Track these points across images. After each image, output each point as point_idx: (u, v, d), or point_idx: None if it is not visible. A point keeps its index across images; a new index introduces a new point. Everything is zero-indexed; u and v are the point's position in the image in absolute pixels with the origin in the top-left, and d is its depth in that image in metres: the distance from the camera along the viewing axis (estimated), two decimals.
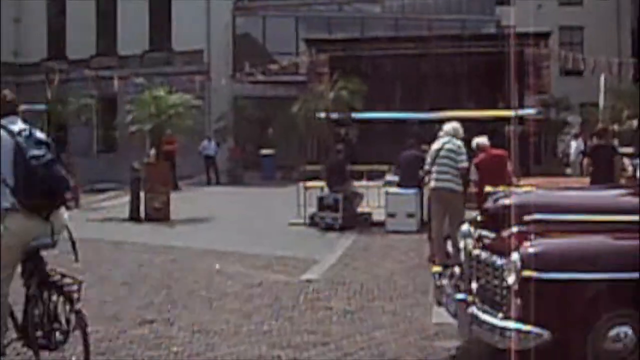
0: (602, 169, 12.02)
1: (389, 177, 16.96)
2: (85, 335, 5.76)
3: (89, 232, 15.59)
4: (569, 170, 26.72)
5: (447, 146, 10.59)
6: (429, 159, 10.99)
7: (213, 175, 29.39)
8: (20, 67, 37.09)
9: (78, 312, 5.74)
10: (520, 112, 23.45)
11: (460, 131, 11.00)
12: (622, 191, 7.41)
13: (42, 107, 23.35)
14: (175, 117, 18.94)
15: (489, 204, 6.81)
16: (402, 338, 7.44)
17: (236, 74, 34.15)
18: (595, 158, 12.63)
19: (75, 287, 5.86)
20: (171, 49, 35.33)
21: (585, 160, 13.52)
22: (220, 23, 34.91)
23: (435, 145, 10.86)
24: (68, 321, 5.83)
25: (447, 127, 11.01)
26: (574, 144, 26.88)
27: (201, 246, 13.45)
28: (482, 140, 12.17)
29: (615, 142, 16.52)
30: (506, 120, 24.44)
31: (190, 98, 19.80)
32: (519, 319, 5.52)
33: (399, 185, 15.37)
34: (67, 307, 5.81)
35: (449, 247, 10.83)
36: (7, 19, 36.87)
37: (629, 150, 19.18)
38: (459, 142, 10.71)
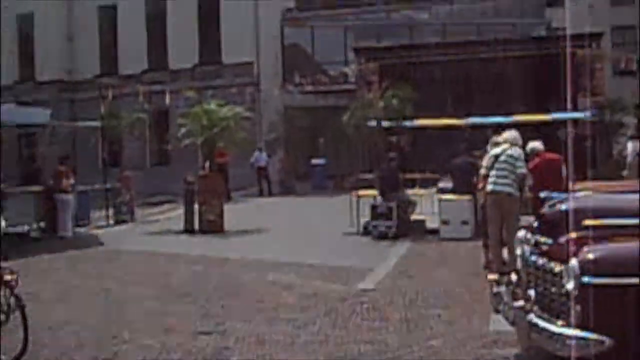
0: None
1: (442, 184, 16.86)
2: (24, 315, 7.12)
3: (144, 245, 15.85)
4: (625, 173, 26.24)
5: (508, 152, 10.57)
6: (484, 163, 10.94)
7: (265, 186, 29.51)
8: (74, 85, 37.83)
9: (17, 297, 7.14)
10: (574, 115, 23.08)
11: (520, 140, 10.97)
12: None
13: (96, 123, 23.73)
14: (227, 129, 19.08)
15: (545, 209, 6.72)
16: (460, 347, 7.38)
17: (286, 84, 34.31)
18: None
19: (14, 277, 7.18)
20: (221, 62, 35.64)
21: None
22: (269, 34, 35.11)
23: (495, 151, 10.81)
24: (9, 305, 7.17)
25: (507, 134, 10.98)
26: (630, 146, 26.36)
27: (255, 257, 13.52)
28: (536, 144, 12.07)
29: None
30: (559, 123, 24.11)
31: (241, 110, 19.93)
32: (579, 326, 5.42)
33: (452, 192, 15.25)
34: (7, 293, 7.17)
35: (505, 254, 10.75)
36: (60, 37, 37.67)
37: None
38: (520, 150, 10.70)
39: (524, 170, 10.51)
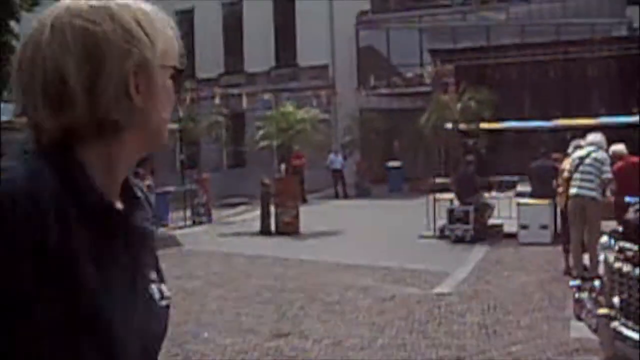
0: None
1: (520, 188, 16.61)
2: None
3: (222, 246, 16.06)
4: None
5: (594, 155, 10.36)
6: (566, 166, 10.73)
7: (341, 188, 29.54)
8: None
9: None
10: None
11: (605, 143, 10.74)
12: None
13: (175, 125, 24.15)
14: (303, 131, 19.20)
15: (630, 214, 6.58)
16: (540, 353, 7.28)
17: (361, 87, 34.32)
18: None
19: None
20: (297, 65, 35.88)
21: None
22: (344, 37, 35.16)
23: (579, 153, 10.60)
24: None
25: (592, 137, 10.76)
26: None
27: (332, 259, 13.56)
28: (619, 148, 11.72)
29: None
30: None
31: (317, 112, 20.03)
32: None
33: (531, 196, 15.02)
34: None
35: (586, 260, 10.54)
36: None
37: None
38: (605, 154, 10.47)
39: (609, 175, 10.27)
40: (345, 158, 30.41)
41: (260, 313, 9.35)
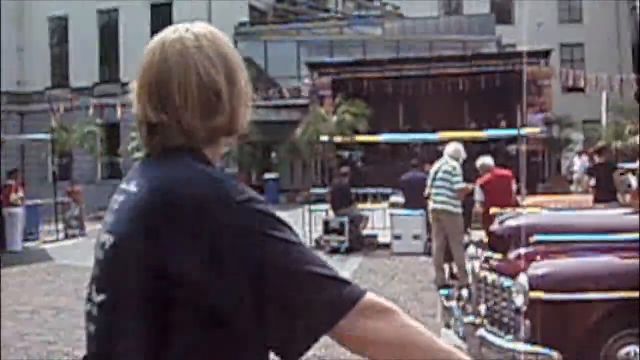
0: (604, 186, 12.02)
1: (394, 199, 16.97)
2: None
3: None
4: (573, 188, 26.72)
5: (444, 167, 10.66)
6: (429, 181, 11.06)
7: None
8: (24, 96, 37.31)
9: None
10: (523, 131, 23.47)
11: (462, 152, 11.05)
12: (627, 210, 7.42)
13: (46, 136, 23.46)
14: None
15: (495, 225, 6.82)
16: None
17: None
18: (597, 175, 12.66)
19: None
20: None
21: (586, 178, 13.54)
22: None
23: (434, 167, 10.93)
24: None
25: (449, 148, 11.09)
26: (577, 162, 26.90)
27: None
28: (486, 160, 12.09)
29: (616, 158, 16.49)
30: (509, 139, 24.48)
31: None
32: (528, 341, 5.51)
33: (404, 206, 15.37)
34: None
35: (454, 268, 10.84)
36: (10, 48, 37.11)
37: (633, 166, 19.15)
38: (455, 163, 10.74)
39: (460, 186, 10.56)
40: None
41: None
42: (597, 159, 13.64)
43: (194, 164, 1.62)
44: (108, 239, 1.64)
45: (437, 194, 10.54)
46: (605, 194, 11.55)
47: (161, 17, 35.61)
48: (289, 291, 1.51)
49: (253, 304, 1.49)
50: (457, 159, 10.89)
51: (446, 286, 9.45)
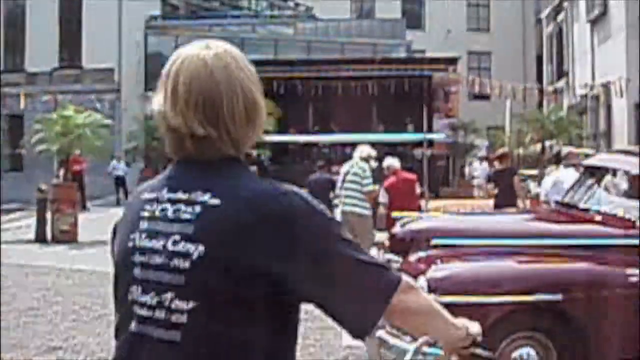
0: (504, 192, 12.32)
1: None
2: None
3: None
4: (475, 193, 27.38)
5: (353, 169, 10.68)
6: (339, 183, 11.08)
7: (123, 195, 28.95)
8: None
9: None
10: (429, 135, 23.92)
11: (372, 154, 11.13)
12: (525, 216, 7.64)
13: None
14: (83, 136, 18.61)
15: (396, 228, 6.93)
16: None
17: (148, 93, 33.80)
18: (498, 181, 12.97)
19: None
20: (81, 67, 34.74)
21: (488, 184, 13.86)
22: (132, 41, 34.52)
23: (344, 169, 10.97)
24: None
25: (359, 150, 11.14)
26: (478, 167, 27.60)
27: (110, 269, 13.18)
28: (392, 162, 12.18)
29: (518, 165, 16.94)
30: (415, 143, 24.88)
31: (99, 117, 19.50)
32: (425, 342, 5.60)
33: None
34: None
35: None
36: None
37: (533, 172, 19.76)
38: (365, 165, 10.76)
39: (369, 188, 10.61)
40: (128, 165, 29.82)
41: (30, 326, 8.94)
42: (498, 165, 13.99)
43: (252, 176, 1.89)
44: (194, 248, 1.77)
45: (347, 196, 10.56)
46: (506, 199, 11.85)
47: (70, 7, 34.85)
48: (359, 278, 1.85)
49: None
50: (367, 161, 10.95)
51: None
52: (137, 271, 1.85)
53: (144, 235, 1.85)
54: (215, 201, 1.79)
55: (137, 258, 1.85)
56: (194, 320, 1.76)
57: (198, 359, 1.78)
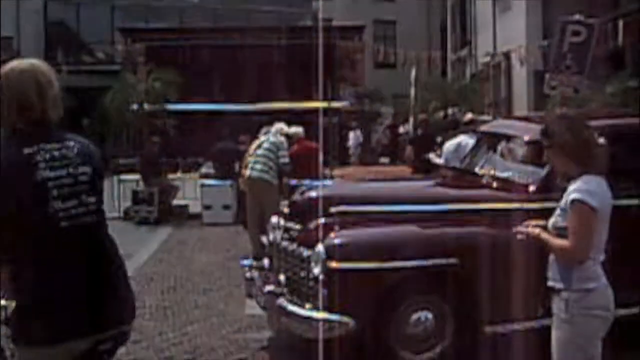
0: (423, 158, 12.38)
1: (205, 169, 16.85)
2: None
3: None
4: (384, 160, 27.72)
5: (272, 139, 10.61)
6: (251, 150, 10.90)
7: None
8: None
9: None
10: (333, 103, 23.95)
11: (286, 130, 11.12)
12: (424, 182, 7.74)
13: None
14: None
15: (296, 196, 6.92)
16: (216, 331, 7.45)
17: (48, 62, 32.84)
18: (418, 147, 13.06)
19: None
20: None
21: (409, 149, 13.96)
22: (31, 9, 33.44)
23: (258, 140, 10.85)
24: None
25: (277, 125, 11.11)
26: (351, 136, 27.98)
27: None
28: (296, 130, 12.12)
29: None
30: (321, 111, 24.89)
31: None
32: (325, 309, 5.64)
33: (214, 177, 15.31)
34: None
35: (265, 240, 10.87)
36: None
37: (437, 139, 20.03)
38: (282, 139, 10.75)
39: (286, 160, 10.59)
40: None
41: None
42: (419, 132, 14.16)
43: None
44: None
45: (256, 162, 10.45)
46: (424, 165, 11.92)
47: None
48: None
49: None
50: (284, 136, 10.91)
51: (255, 257, 9.45)
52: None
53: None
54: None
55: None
56: None
57: None
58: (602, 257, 4.00)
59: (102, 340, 3.11)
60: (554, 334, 4.02)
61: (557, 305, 3.99)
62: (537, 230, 4.09)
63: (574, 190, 3.92)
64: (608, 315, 3.94)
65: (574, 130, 4.02)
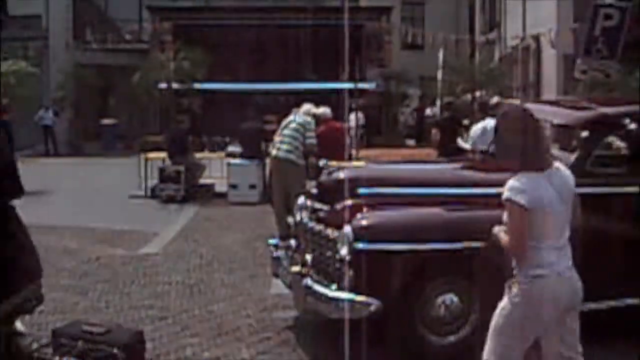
0: (449, 140, 12.33)
1: (231, 148, 16.90)
2: None
3: None
4: (410, 142, 27.63)
5: (299, 120, 10.60)
6: (279, 130, 10.90)
7: (51, 145, 28.40)
8: None
9: None
10: (361, 85, 23.88)
11: (314, 110, 11.11)
12: (451, 165, 7.70)
13: None
14: (10, 85, 18.14)
15: (323, 177, 6.92)
16: (241, 310, 7.50)
17: (76, 40, 32.99)
18: (444, 130, 13.00)
19: None
20: (6, 12, 33.61)
21: (435, 132, 13.89)
22: None
23: (288, 118, 10.84)
24: None
25: (306, 106, 11.10)
26: (352, 117, 27.70)
27: (37, 221, 12.85)
28: (322, 111, 12.06)
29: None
30: (348, 92, 24.83)
31: (25, 65, 18.99)
32: (351, 290, 5.66)
33: (241, 156, 15.35)
34: None
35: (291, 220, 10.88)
36: None
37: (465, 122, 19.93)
38: (309, 119, 10.73)
39: (312, 141, 10.58)
40: (56, 114, 29.19)
41: None
42: (445, 114, 14.08)
43: None
44: None
45: (282, 142, 10.45)
46: (450, 147, 11.87)
47: None
48: None
49: None
50: (311, 117, 10.90)
51: (281, 237, 9.48)
52: None
53: None
54: None
55: None
56: None
57: None
58: (557, 243, 4.07)
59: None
60: (500, 304, 4.19)
61: (508, 285, 4.17)
62: (496, 228, 4.20)
63: (506, 189, 4.03)
64: (556, 303, 4.04)
65: (513, 127, 4.10)
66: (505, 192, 4.02)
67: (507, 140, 4.13)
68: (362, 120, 22.46)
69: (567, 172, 4.22)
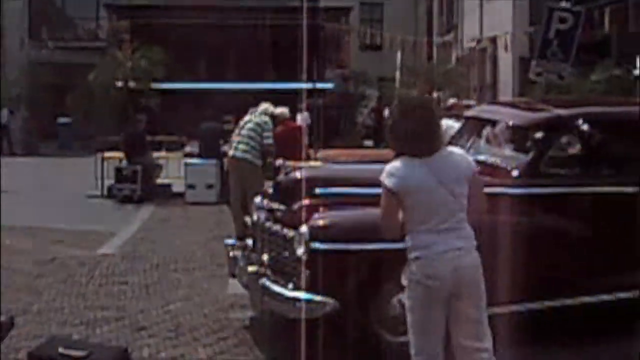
0: None
1: (189, 148, 16.83)
2: None
3: None
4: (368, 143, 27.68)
5: (256, 120, 10.61)
6: (236, 130, 10.89)
7: (6, 145, 28.04)
8: None
9: None
10: (319, 85, 23.94)
11: (272, 110, 11.09)
12: None
13: None
14: None
15: (280, 177, 6.93)
16: (198, 310, 7.47)
17: (32, 38, 32.60)
18: None
19: None
20: None
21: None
22: None
23: (244, 119, 10.83)
24: None
25: (262, 106, 11.08)
26: (299, 117, 27.77)
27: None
28: (281, 111, 12.04)
29: None
30: (307, 92, 24.86)
31: None
32: (308, 290, 5.68)
33: (199, 156, 15.30)
34: None
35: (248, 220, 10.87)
36: None
37: None
38: (267, 119, 10.72)
39: (270, 141, 10.59)
40: (11, 112, 28.82)
41: None
42: None
43: None
44: None
45: (240, 142, 10.45)
46: None
47: None
48: None
49: None
50: (269, 116, 10.87)
51: (238, 237, 9.46)
52: None
53: None
54: None
55: None
56: None
57: None
58: (438, 226, 4.22)
59: None
60: None
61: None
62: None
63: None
64: (437, 284, 4.20)
65: (393, 115, 4.38)
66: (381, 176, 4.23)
67: (396, 128, 4.30)
68: (308, 121, 22.43)
69: (460, 157, 4.38)
